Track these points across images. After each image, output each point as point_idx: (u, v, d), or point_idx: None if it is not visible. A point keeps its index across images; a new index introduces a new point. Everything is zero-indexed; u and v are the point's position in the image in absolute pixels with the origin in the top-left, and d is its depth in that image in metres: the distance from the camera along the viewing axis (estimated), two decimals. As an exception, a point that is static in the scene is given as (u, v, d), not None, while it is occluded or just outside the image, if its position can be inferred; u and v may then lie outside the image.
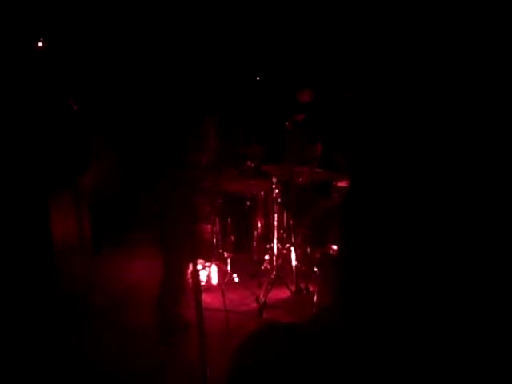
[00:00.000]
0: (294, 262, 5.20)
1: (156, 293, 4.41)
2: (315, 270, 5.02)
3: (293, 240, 5.27)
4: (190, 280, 5.21)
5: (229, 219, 5.54)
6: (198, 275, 3.41)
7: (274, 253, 5.36)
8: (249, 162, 5.41)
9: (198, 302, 3.08)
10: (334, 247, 4.59)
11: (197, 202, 4.68)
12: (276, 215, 5.36)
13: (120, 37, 5.21)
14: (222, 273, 5.43)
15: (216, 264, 5.42)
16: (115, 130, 4.48)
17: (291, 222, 5.32)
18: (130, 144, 4.29)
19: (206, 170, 4.79)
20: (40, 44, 6.33)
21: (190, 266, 5.22)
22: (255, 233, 5.62)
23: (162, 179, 4.04)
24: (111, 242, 5.74)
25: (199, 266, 5.41)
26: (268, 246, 5.48)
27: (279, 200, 5.36)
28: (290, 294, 5.04)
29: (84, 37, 5.95)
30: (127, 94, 4.36)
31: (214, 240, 5.47)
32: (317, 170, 5.20)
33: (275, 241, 5.37)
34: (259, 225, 5.61)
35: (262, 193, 5.55)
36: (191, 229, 4.26)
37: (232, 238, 5.58)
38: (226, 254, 5.52)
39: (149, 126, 4.09)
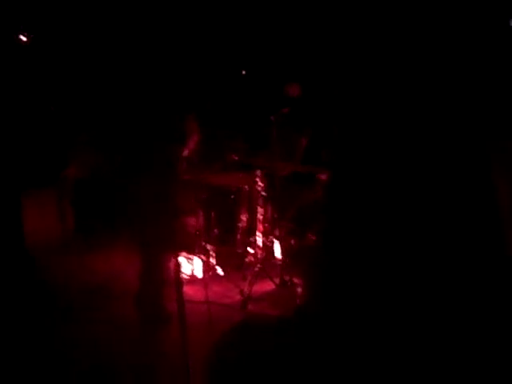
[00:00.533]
0: (278, 255, 5.21)
1: (138, 285, 4.40)
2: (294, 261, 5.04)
3: (277, 233, 5.28)
4: (173, 272, 5.21)
5: (213, 212, 5.54)
6: (180, 267, 3.41)
7: (258, 245, 5.37)
8: (233, 156, 5.42)
9: (180, 293, 3.08)
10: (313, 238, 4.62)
11: (178, 195, 4.67)
12: (260, 208, 5.37)
13: (102, 33, 5.17)
14: (205, 266, 5.43)
15: (200, 257, 5.42)
16: (97, 127, 4.47)
17: (275, 214, 5.33)
18: (111, 139, 4.29)
19: (188, 163, 4.79)
20: (24, 38, 6.24)
21: (173, 259, 5.24)
22: (239, 226, 5.62)
23: (143, 173, 4.03)
24: (94, 236, 5.73)
25: (183, 259, 5.41)
26: (252, 238, 5.49)
27: (263, 193, 5.36)
28: (274, 286, 5.05)
29: (66, 34, 5.89)
30: (109, 90, 4.35)
31: (198, 233, 5.46)
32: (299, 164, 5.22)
33: (259, 233, 5.37)
34: (243, 218, 5.61)
35: (247, 186, 5.55)
36: (172, 222, 4.26)
37: (216, 230, 5.58)
38: (209, 247, 5.51)
39: (130, 121, 4.08)
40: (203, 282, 5.24)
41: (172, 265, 4.44)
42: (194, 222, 5.49)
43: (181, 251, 5.41)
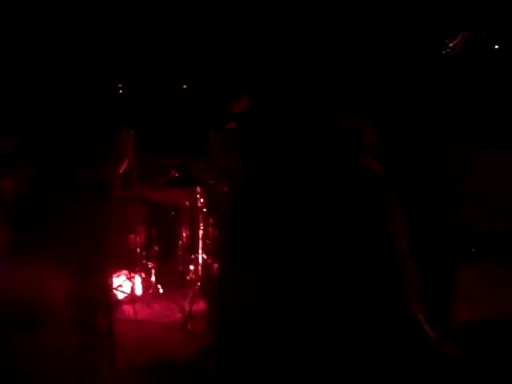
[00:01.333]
0: (219, 272, 5.17)
1: (73, 306, 4.29)
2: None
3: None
4: (112, 291, 5.13)
5: (153, 229, 5.47)
6: (113, 287, 3.34)
7: (199, 263, 5.31)
8: (173, 172, 5.36)
9: (108, 315, 3.02)
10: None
11: (116, 212, 4.60)
12: (201, 225, 5.31)
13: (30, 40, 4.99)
14: (146, 284, 5.35)
15: (140, 275, 5.34)
16: (28, 140, 4.35)
17: (216, 231, 5.28)
18: (42, 154, 4.19)
19: (125, 179, 4.73)
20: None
21: (112, 278, 5.15)
22: (180, 243, 5.56)
23: (74, 190, 3.95)
24: (27, 252, 5.54)
25: (123, 277, 5.32)
26: (193, 256, 5.43)
27: (204, 209, 5.32)
28: (215, 304, 4.99)
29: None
30: (38, 102, 4.25)
31: (138, 250, 5.38)
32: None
33: (200, 251, 5.32)
34: (184, 235, 5.55)
35: (187, 202, 5.49)
36: (108, 239, 4.18)
37: (156, 248, 5.51)
38: (150, 265, 5.44)
39: (61, 134, 4.00)
40: (143, 301, 5.17)
41: (107, 284, 4.39)
42: (134, 239, 5.41)
43: (121, 269, 5.33)
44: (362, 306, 0.82)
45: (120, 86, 5.37)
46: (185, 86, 6.12)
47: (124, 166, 4.51)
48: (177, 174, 5.35)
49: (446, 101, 4.29)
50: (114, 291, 5.18)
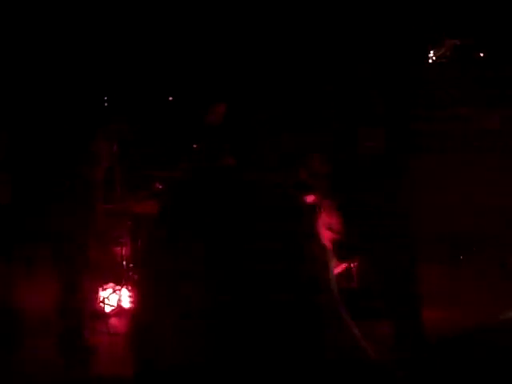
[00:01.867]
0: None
1: (59, 318, 4.27)
2: None
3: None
4: (99, 304, 5.12)
5: (139, 241, 5.45)
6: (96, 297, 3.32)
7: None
8: (158, 184, 5.35)
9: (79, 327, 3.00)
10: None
11: (102, 224, 4.59)
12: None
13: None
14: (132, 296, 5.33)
15: (127, 287, 5.33)
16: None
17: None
18: (17, 156, 4.19)
19: (109, 190, 4.73)
20: None
21: (99, 290, 5.14)
22: (166, 254, 5.53)
23: (56, 197, 3.95)
24: (15, 264, 5.50)
25: (110, 290, 5.30)
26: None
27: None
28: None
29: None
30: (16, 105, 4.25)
31: (124, 263, 5.37)
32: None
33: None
34: (170, 246, 5.53)
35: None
36: (88, 248, 4.18)
37: (143, 260, 5.47)
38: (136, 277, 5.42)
39: (36, 137, 4.01)
40: (129, 314, 5.14)
41: (94, 296, 4.38)
42: (120, 251, 5.40)
43: (107, 282, 5.32)
44: (291, 323, 0.83)
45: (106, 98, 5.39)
46: (171, 98, 6.13)
47: (102, 170, 4.48)
48: (161, 186, 5.34)
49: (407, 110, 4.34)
50: (101, 304, 5.18)
